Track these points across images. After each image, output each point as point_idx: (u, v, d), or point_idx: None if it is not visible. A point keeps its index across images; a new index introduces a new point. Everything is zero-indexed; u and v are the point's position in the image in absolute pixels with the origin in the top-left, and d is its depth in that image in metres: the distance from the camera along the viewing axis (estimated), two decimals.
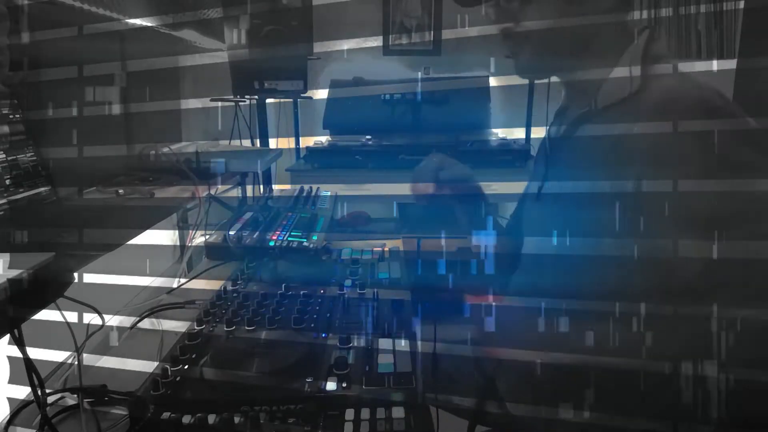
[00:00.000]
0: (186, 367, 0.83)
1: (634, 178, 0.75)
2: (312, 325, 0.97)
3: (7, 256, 0.62)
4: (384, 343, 0.89)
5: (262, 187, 2.08)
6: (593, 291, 0.78)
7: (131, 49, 1.34)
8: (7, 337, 0.64)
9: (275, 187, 2.06)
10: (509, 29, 0.87)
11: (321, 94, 2.94)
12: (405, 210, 3.02)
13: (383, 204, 3.08)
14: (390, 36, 3.21)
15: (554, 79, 0.95)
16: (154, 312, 1.12)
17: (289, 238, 1.32)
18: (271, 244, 1.30)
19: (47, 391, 0.73)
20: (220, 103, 2.12)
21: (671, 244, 0.72)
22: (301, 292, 1.09)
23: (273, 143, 2.70)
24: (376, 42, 3.17)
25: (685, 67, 0.82)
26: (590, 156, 0.84)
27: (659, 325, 0.73)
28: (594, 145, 0.84)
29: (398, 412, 0.73)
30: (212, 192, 1.34)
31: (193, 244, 1.38)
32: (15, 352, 0.66)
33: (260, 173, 2.04)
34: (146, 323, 1.09)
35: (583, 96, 0.89)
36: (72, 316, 0.86)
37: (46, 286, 0.63)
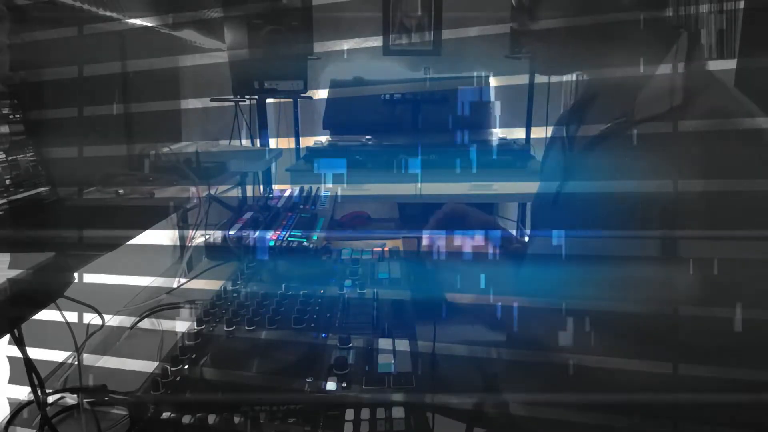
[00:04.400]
0: (186, 367, 0.83)
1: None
2: (312, 325, 0.97)
3: (7, 256, 0.62)
4: (384, 343, 0.89)
5: (262, 187, 2.08)
6: (603, 296, 0.77)
7: (131, 48, 1.33)
8: (7, 337, 0.64)
9: (275, 187, 2.06)
10: (528, 23, 0.82)
11: (321, 94, 2.95)
12: (405, 210, 3.02)
13: (383, 204, 3.08)
14: (390, 36, 3.21)
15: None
16: (154, 312, 1.12)
17: (289, 238, 1.32)
18: (271, 244, 1.30)
19: (47, 391, 0.73)
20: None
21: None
22: (301, 292, 1.09)
23: (273, 143, 2.70)
24: (376, 42, 3.17)
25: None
26: (622, 171, 0.77)
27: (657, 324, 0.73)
28: (629, 159, 0.77)
29: (398, 412, 0.73)
30: (212, 192, 1.34)
31: (193, 244, 1.38)
32: (15, 352, 0.66)
33: (260, 173, 2.05)
34: (146, 323, 1.09)
35: (612, 100, 0.82)
36: (72, 316, 0.86)
37: (46, 286, 0.63)
